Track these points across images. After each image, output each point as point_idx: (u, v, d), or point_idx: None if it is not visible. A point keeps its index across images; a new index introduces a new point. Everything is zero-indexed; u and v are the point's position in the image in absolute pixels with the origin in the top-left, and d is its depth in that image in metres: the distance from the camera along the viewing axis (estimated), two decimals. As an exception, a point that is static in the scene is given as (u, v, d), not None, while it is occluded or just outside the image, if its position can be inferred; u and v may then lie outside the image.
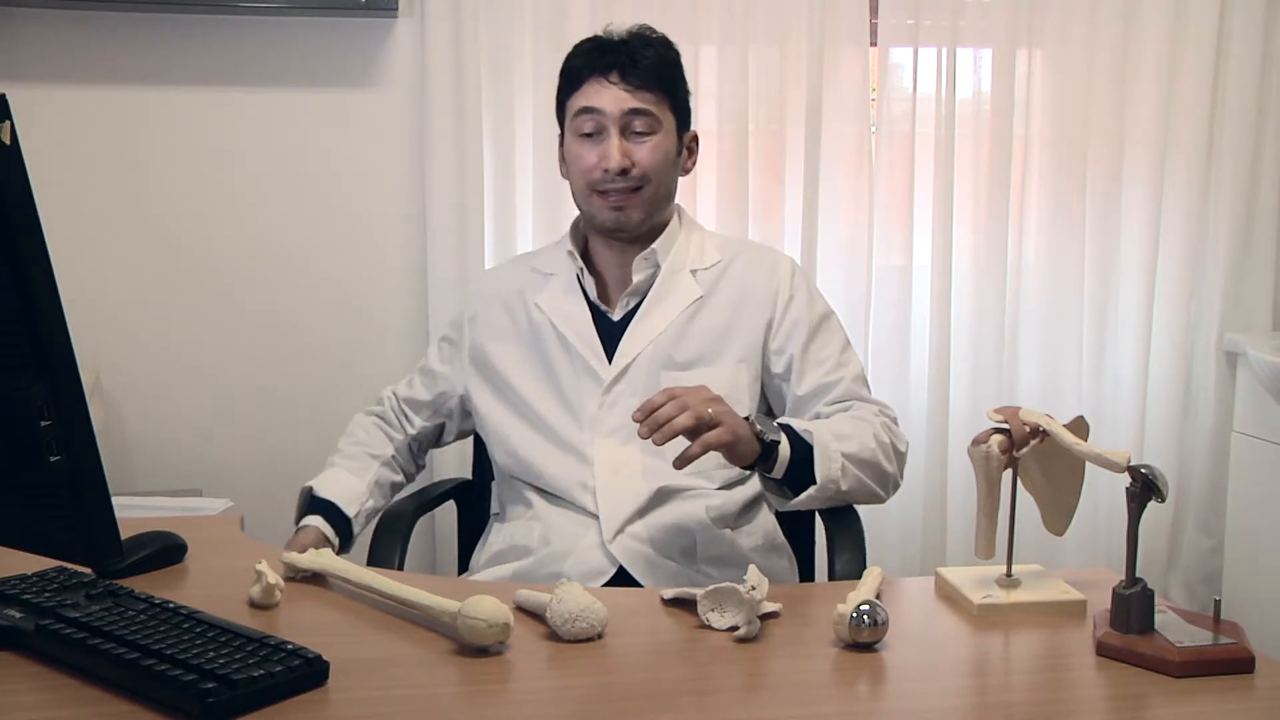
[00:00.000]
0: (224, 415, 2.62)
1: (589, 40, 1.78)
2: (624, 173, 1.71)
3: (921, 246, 2.74)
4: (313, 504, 1.73)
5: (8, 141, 1.02)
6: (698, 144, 1.85)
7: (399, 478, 1.88)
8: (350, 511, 1.73)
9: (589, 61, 1.74)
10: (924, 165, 2.72)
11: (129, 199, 2.55)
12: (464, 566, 1.93)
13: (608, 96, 1.71)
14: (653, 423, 1.47)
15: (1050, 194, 2.78)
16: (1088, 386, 2.81)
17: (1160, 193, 2.77)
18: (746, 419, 1.57)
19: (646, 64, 1.73)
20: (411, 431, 1.89)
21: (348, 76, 2.59)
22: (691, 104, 1.82)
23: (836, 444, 1.61)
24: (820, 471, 1.58)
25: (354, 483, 1.78)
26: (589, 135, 1.73)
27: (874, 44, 2.70)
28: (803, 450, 1.59)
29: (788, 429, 1.60)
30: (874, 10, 2.68)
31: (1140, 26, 2.73)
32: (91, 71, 2.50)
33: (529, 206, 2.63)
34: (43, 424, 1.08)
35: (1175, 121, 2.76)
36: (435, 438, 1.93)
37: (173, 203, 2.57)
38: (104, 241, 2.55)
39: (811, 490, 1.59)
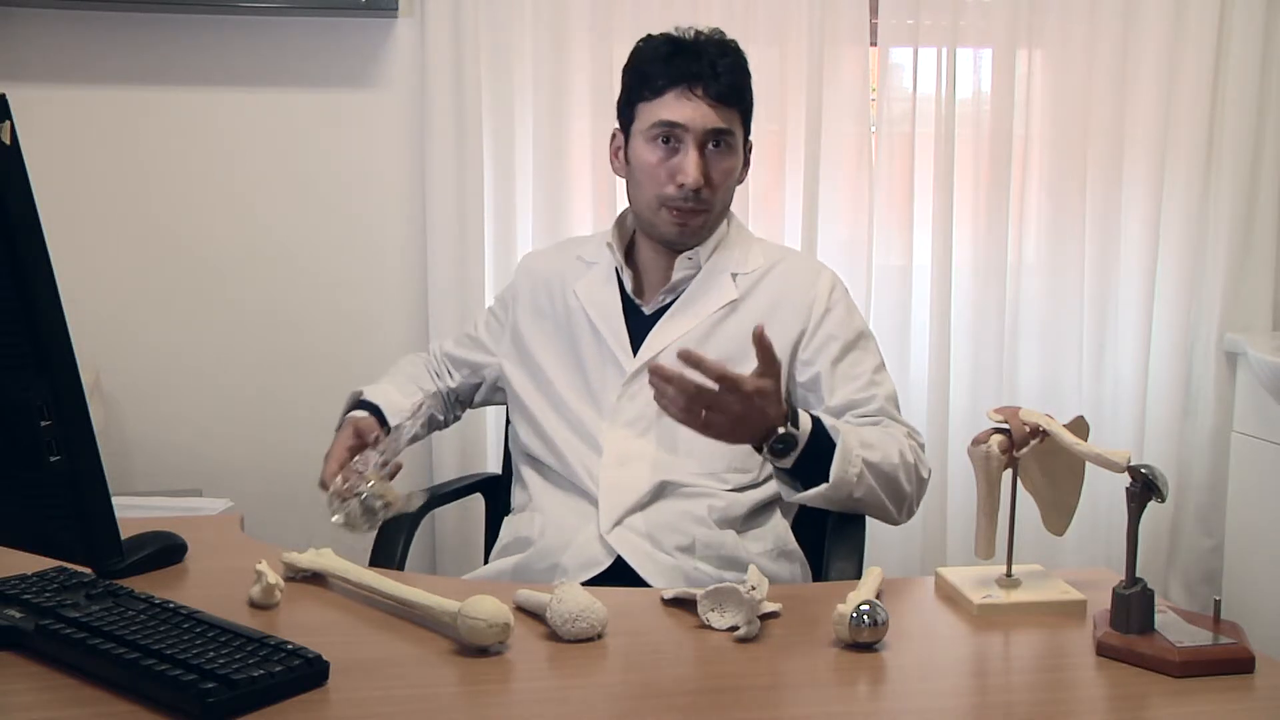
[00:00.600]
0: (224, 415, 2.62)
1: (662, 42, 1.75)
2: (696, 191, 1.71)
3: (921, 246, 2.74)
4: (358, 405, 1.79)
5: (8, 141, 1.01)
6: (751, 151, 1.84)
7: (440, 416, 1.94)
8: (393, 422, 1.74)
9: (670, 70, 1.71)
10: (924, 165, 2.72)
11: (129, 199, 2.55)
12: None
13: (691, 111, 1.70)
14: (660, 387, 1.45)
15: (1050, 194, 2.78)
16: (1088, 386, 2.81)
17: (1160, 193, 2.77)
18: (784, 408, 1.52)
19: (727, 77, 1.71)
20: (451, 385, 1.95)
21: (348, 76, 2.59)
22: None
23: (860, 449, 1.58)
24: (836, 470, 1.55)
25: (401, 400, 1.82)
26: (661, 143, 1.72)
27: (874, 44, 2.70)
28: (826, 444, 1.56)
29: (817, 422, 1.56)
30: (874, 10, 2.68)
31: (1140, 26, 2.73)
32: (91, 71, 2.50)
33: (529, 206, 2.63)
34: (43, 424, 1.08)
35: (1175, 121, 2.76)
36: (470, 396, 1.98)
37: (173, 203, 2.57)
38: (104, 241, 2.54)
39: (824, 487, 1.56)
